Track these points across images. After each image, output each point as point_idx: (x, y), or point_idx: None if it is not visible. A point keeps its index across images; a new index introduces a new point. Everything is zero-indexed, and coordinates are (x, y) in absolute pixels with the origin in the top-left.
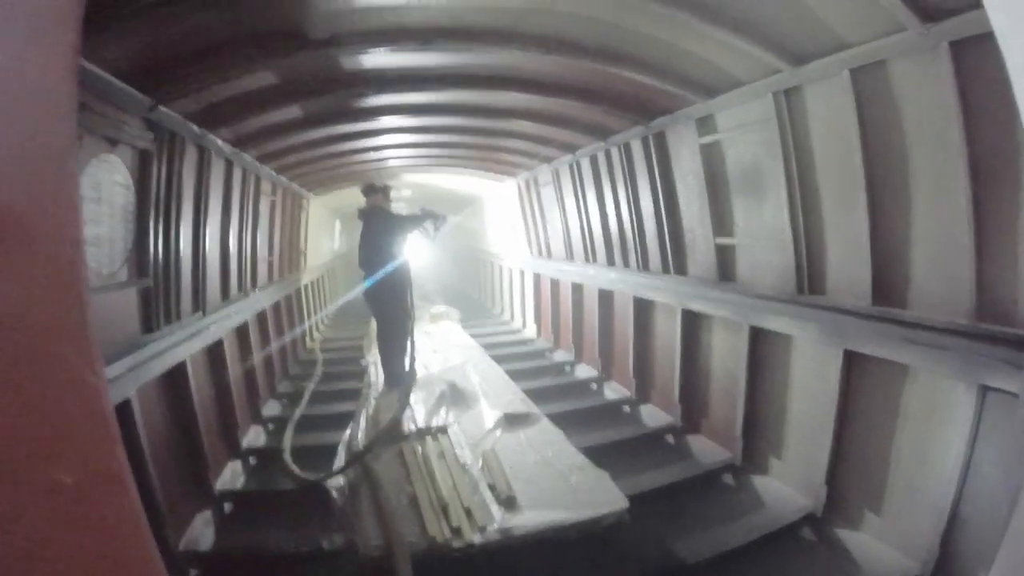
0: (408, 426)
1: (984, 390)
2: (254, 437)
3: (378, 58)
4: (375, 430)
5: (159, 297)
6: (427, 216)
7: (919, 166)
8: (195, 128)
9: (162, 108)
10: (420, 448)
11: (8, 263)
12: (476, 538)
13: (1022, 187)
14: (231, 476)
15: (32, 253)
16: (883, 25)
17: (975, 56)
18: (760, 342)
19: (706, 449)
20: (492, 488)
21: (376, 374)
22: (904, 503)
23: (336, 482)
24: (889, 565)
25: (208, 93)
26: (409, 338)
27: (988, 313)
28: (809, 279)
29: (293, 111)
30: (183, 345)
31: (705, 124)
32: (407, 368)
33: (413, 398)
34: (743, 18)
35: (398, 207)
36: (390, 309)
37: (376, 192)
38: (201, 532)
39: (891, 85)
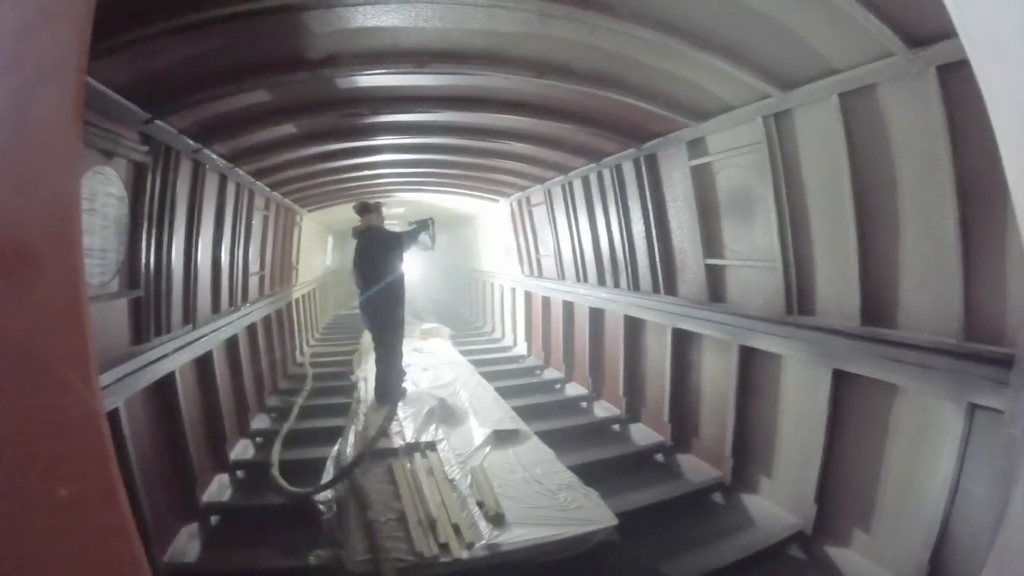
0: (397, 440)
1: (972, 408)
2: (242, 450)
3: (373, 79)
4: (364, 444)
5: (150, 308)
6: (420, 229)
7: (907, 189)
8: (190, 142)
9: (158, 122)
10: (409, 464)
11: (10, 281)
12: (464, 555)
13: (1008, 209)
14: (218, 489)
15: (34, 271)
16: (871, 50)
17: (962, 80)
18: (750, 362)
19: (696, 468)
20: (480, 505)
21: (366, 389)
22: (893, 521)
23: (324, 497)
24: None
25: (204, 108)
26: (399, 348)
27: (975, 333)
28: (799, 300)
29: (288, 128)
30: (172, 357)
31: (696, 147)
32: (400, 381)
33: (402, 414)
34: (733, 44)
35: (391, 224)
36: (385, 324)
37: (370, 211)
38: (186, 545)
39: (879, 109)
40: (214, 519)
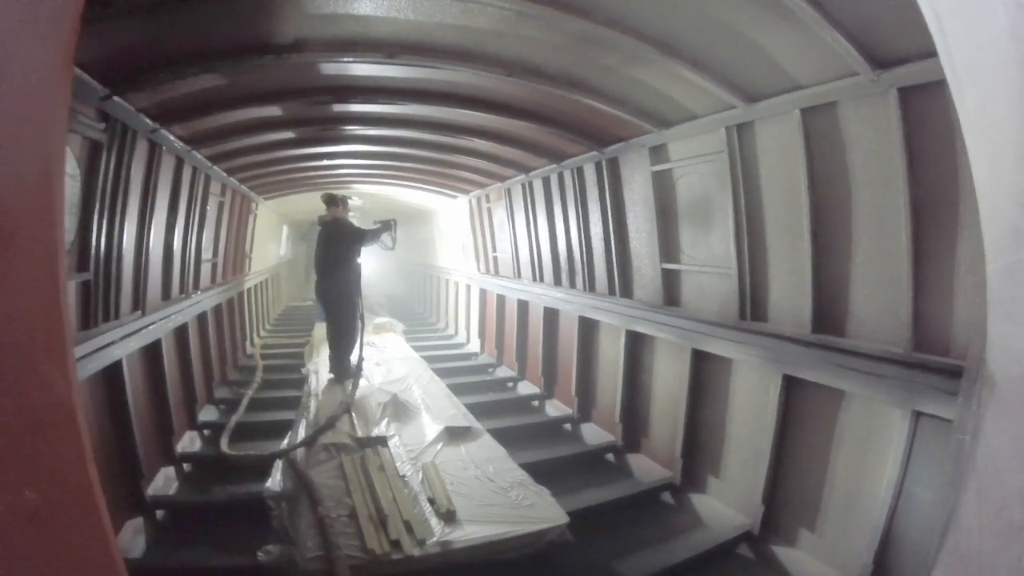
0: (350, 434)
1: (917, 415)
2: (189, 443)
3: (341, 67)
4: (328, 418)
5: (99, 293)
6: (383, 229)
7: (863, 204)
8: (148, 122)
9: (116, 99)
10: (360, 460)
11: None
12: (416, 552)
13: (960, 229)
14: (164, 483)
15: (10, 253)
16: (835, 69)
17: (922, 103)
18: (702, 365)
19: (646, 468)
20: (432, 502)
21: (317, 383)
22: (839, 522)
23: (274, 492)
24: None
25: (165, 88)
26: (358, 337)
27: (923, 344)
28: (752, 306)
29: (250, 113)
30: (120, 344)
31: (658, 153)
32: (354, 364)
33: (354, 411)
34: (702, 55)
35: (352, 217)
36: (341, 310)
37: (336, 203)
38: (131, 541)
39: (840, 126)
40: (160, 514)
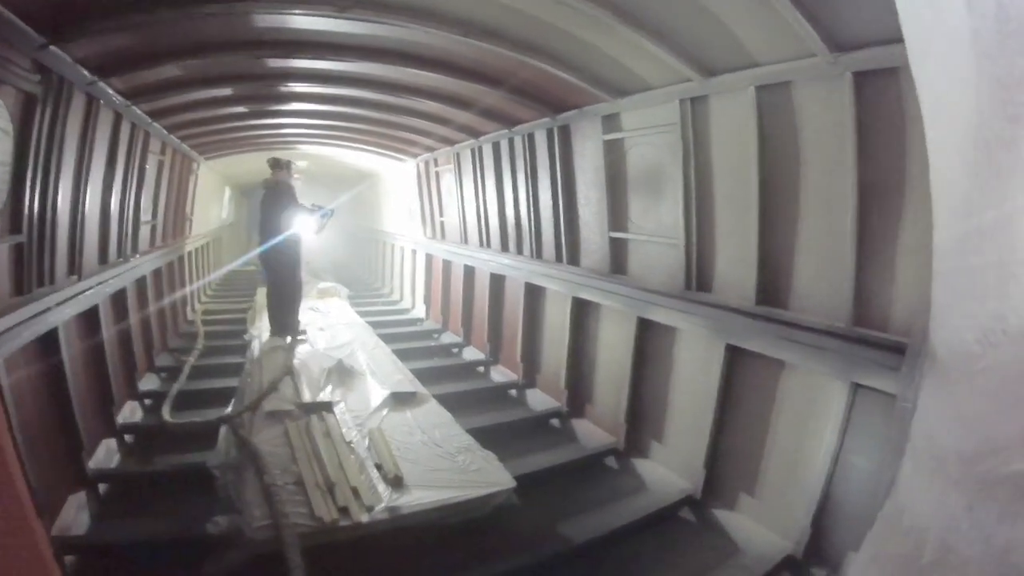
0: (295, 400)
1: (856, 387)
2: (130, 413)
3: (288, 20)
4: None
5: (32, 256)
6: (321, 212)
7: (811, 182)
8: (86, 74)
9: (53, 48)
10: (305, 427)
11: None
12: (364, 518)
13: (904, 210)
14: (106, 455)
15: None
16: (793, 49)
17: (876, 88)
18: (647, 334)
19: (591, 433)
20: (379, 467)
21: (259, 348)
22: (779, 487)
23: (219, 462)
24: (764, 544)
25: (103, 38)
26: (299, 296)
27: (864, 319)
28: (698, 277)
29: (192, 66)
30: (56, 311)
31: (611, 122)
32: (295, 321)
33: (298, 375)
34: (662, 26)
35: (297, 179)
36: (282, 270)
37: (281, 167)
38: (75, 516)
39: (793, 105)
40: (103, 487)
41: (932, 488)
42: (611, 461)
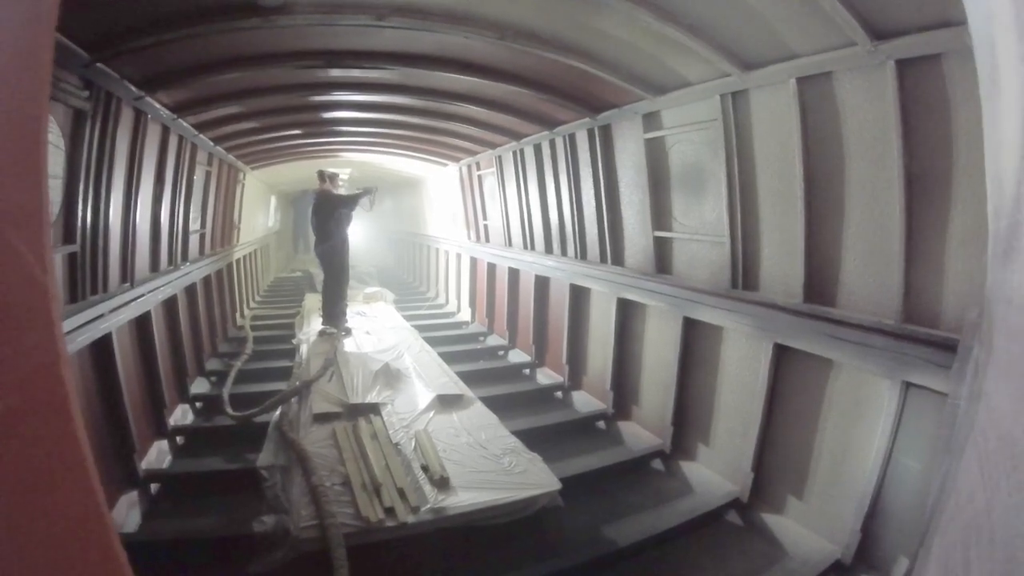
0: (342, 402)
1: (907, 386)
2: (181, 416)
3: (329, 30)
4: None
5: (86, 265)
6: (364, 193)
7: (856, 175)
8: (133, 89)
9: (99, 65)
10: (352, 429)
11: None
12: (409, 518)
13: (952, 201)
14: (157, 456)
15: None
16: (833, 38)
17: (919, 76)
18: (693, 333)
19: (636, 435)
20: (425, 469)
21: (306, 351)
22: (827, 490)
23: (267, 463)
24: (811, 548)
25: (149, 54)
26: (345, 286)
27: (913, 316)
28: (744, 275)
29: (237, 80)
30: (109, 317)
31: (651, 120)
32: (344, 313)
33: (343, 374)
34: (698, 21)
35: (340, 188)
36: (332, 263)
37: (324, 179)
38: (126, 515)
39: (835, 96)
40: (154, 487)
41: (1006, 490)
42: (657, 464)
